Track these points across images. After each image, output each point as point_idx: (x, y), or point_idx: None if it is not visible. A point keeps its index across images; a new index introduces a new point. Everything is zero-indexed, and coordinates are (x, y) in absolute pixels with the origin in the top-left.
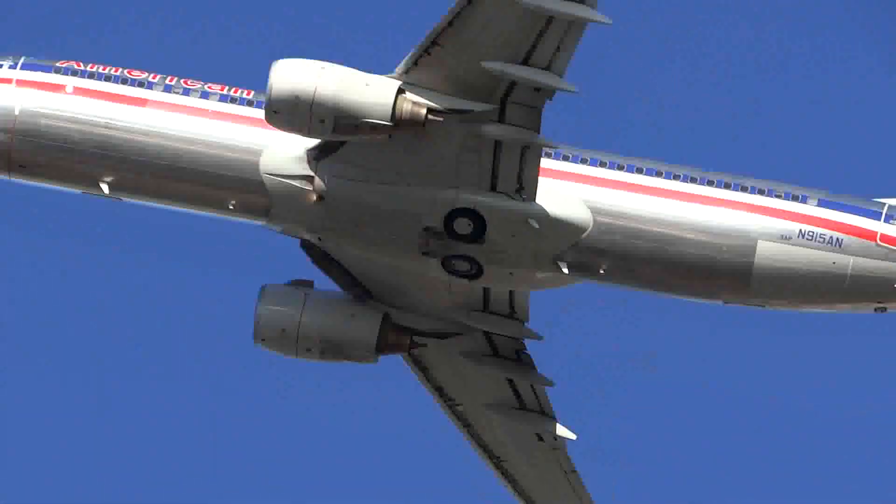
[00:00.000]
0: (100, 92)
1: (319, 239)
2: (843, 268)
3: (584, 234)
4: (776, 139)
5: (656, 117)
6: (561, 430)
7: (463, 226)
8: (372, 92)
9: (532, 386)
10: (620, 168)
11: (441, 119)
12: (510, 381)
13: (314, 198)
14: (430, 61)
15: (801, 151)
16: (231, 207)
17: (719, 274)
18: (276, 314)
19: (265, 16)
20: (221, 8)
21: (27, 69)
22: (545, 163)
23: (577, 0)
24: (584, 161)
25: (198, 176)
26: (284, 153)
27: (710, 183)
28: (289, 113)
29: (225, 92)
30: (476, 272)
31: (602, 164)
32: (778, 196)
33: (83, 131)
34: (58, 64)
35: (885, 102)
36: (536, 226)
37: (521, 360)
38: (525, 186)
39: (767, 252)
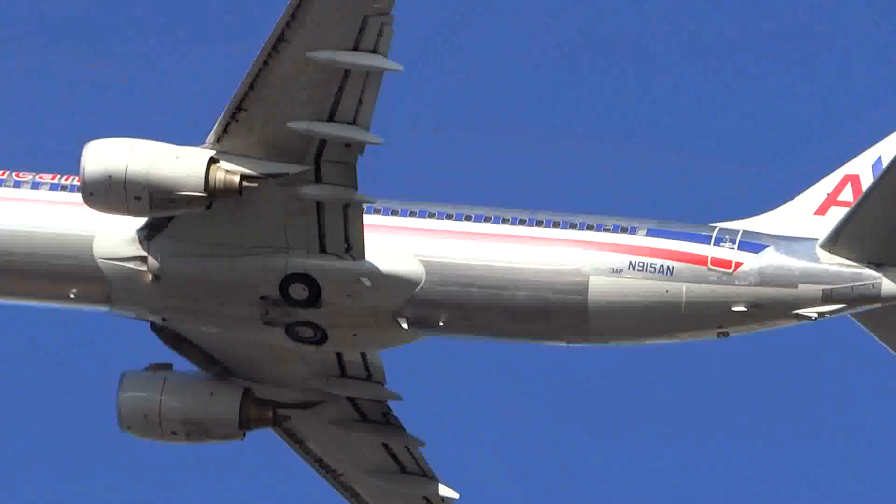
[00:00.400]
0: None
1: (164, 319)
2: (678, 296)
3: (418, 288)
4: (605, 173)
5: (481, 162)
6: (444, 491)
7: (298, 291)
8: (182, 164)
9: (407, 447)
10: (449, 217)
11: (256, 185)
12: (385, 445)
13: (149, 278)
14: (238, 128)
15: (633, 181)
16: (72, 297)
17: (556, 314)
18: (136, 400)
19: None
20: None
21: None
22: (374, 219)
23: (367, 50)
24: (412, 213)
25: (34, 267)
26: (116, 236)
27: (538, 223)
28: (104, 193)
29: (56, 181)
30: (321, 337)
31: (431, 215)
32: (607, 230)
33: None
34: None
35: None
36: (369, 284)
37: (389, 422)
38: (352, 245)
39: (600, 287)
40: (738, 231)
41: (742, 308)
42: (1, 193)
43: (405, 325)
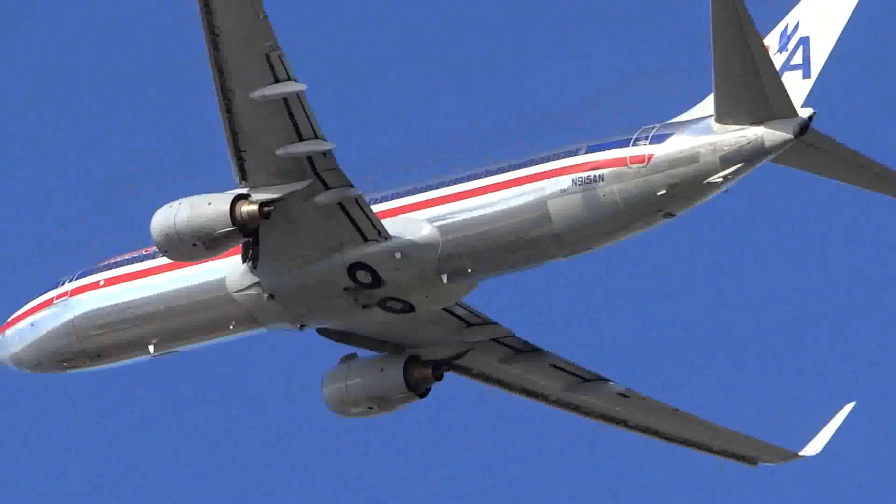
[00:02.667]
0: (121, 276)
1: (301, 326)
2: (613, 196)
3: (440, 247)
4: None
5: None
6: (617, 388)
7: (364, 276)
8: (212, 209)
9: (563, 363)
10: (440, 186)
11: (274, 208)
12: (552, 365)
13: (266, 297)
14: (249, 166)
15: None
16: (232, 328)
17: (538, 239)
18: (333, 391)
19: None
20: None
21: (78, 278)
22: (390, 204)
23: (283, 79)
24: (413, 192)
25: (199, 315)
26: (237, 272)
27: (504, 170)
28: (172, 249)
29: None
30: (408, 307)
31: (427, 188)
32: (554, 158)
33: (122, 312)
34: (100, 264)
35: None
36: (399, 256)
37: (535, 349)
38: (378, 229)
39: (556, 208)
40: (654, 127)
41: (664, 191)
42: (143, 266)
43: (445, 280)
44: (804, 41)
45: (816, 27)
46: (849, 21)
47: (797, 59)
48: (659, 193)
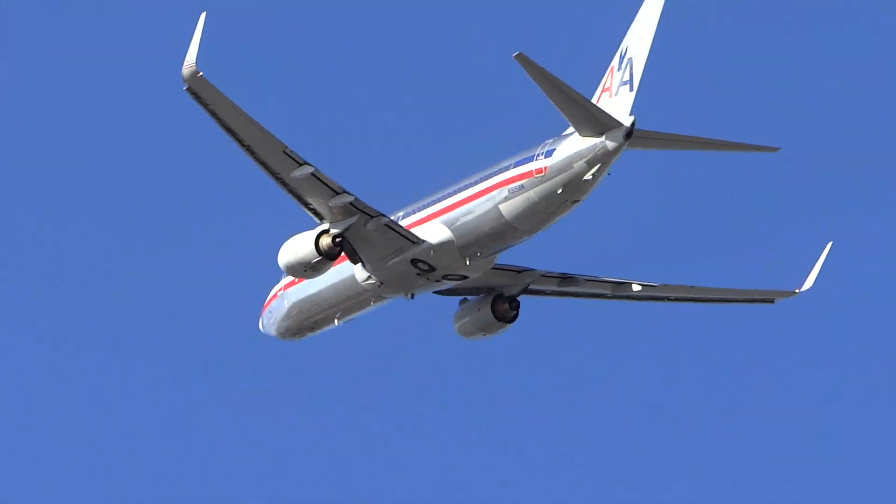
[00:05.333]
0: None
1: (412, 296)
2: (533, 197)
3: (455, 240)
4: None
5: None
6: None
7: (422, 266)
8: (304, 245)
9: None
10: (440, 200)
11: (343, 238)
12: (590, 280)
13: (378, 284)
14: (320, 212)
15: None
16: (373, 303)
17: (503, 231)
18: (457, 327)
19: None
20: None
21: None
22: (415, 218)
23: (300, 164)
24: (427, 206)
25: (352, 297)
26: (360, 271)
27: (475, 183)
28: (293, 274)
29: None
30: (460, 277)
31: (435, 202)
32: (501, 172)
33: (312, 299)
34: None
35: None
36: (432, 253)
37: (571, 275)
38: (412, 239)
39: (505, 209)
40: (548, 143)
41: (561, 190)
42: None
43: (467, 262)
44: (630, 61)
45: (634, 49)
46: (652, 43)
47: (626, 76)
48: (559, 192)
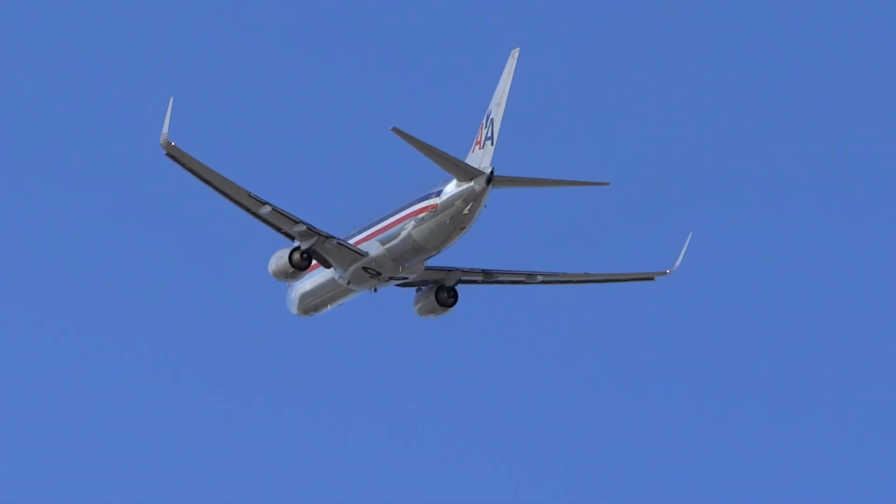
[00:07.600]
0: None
1: (374, 290)
2: (431, 226)
3: (388, 254)
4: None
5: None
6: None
7: (371, 271)
8: (282, 259)
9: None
10: (374, 224)
11: (307, 254)
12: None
13: (347, 283)
14: (291, 235)
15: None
16: (350, 294)
17: (419, 248)
18: (416, 309)
19: None
20: None
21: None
22: (363, 236)
23: (263, 203)
24: (367, 228)
25: (337, 290)
26: (340, 274)
27: (393, 213)
28: (278, 279)
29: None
30: (403, 280)
31: (372, 225)
32: (408, 206)
33: (310, 289)
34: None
35: None
36: (374, 262)
37: (490, 270)
38: (360, 253)
39: (415, 234)
40: (441, 184)
41: (448, 221)
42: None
43: (400, 269)
44: (491, 121)
45: (495, 112)
46: (506, 108)
47: (489, 132)
48: (447, 222)
